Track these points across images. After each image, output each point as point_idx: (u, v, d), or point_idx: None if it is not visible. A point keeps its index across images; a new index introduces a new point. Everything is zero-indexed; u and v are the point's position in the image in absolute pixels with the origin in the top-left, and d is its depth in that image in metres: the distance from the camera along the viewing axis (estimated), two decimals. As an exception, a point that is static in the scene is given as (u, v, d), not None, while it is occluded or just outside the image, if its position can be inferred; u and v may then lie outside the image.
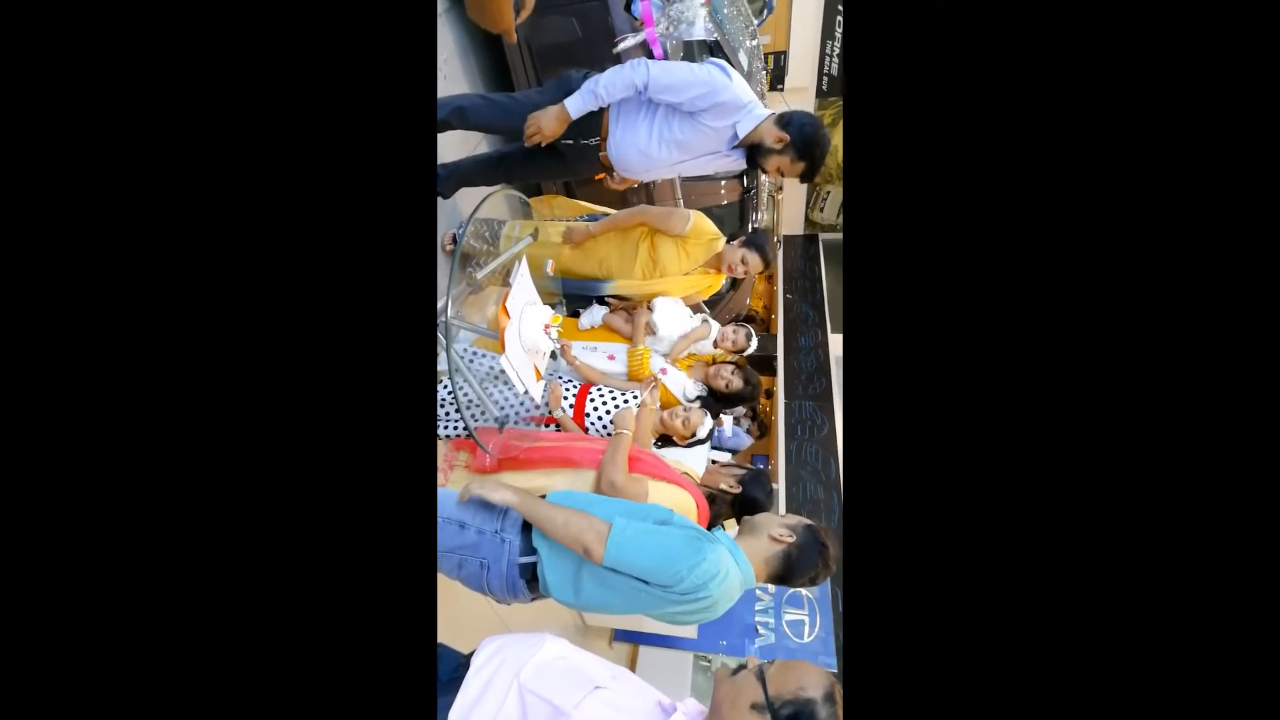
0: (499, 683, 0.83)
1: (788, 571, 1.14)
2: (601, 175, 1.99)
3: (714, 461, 1.79)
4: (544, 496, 1.25)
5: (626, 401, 1.77)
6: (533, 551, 1.16)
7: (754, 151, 1.53)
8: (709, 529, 1.45)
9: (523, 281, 1.45)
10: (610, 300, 1.98)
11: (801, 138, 1.49)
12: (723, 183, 2.70)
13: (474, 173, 1.86)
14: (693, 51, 2.03)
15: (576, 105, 1.47)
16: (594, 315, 1.99)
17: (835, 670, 3.11)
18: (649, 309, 1.92)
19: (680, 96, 1.45)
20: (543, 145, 1.58)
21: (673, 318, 1.94)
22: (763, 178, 3.26)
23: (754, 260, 1.84)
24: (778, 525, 1.16)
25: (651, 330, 1.91)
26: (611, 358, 1.92)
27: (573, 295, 1.91)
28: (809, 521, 1.19)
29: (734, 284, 2.94)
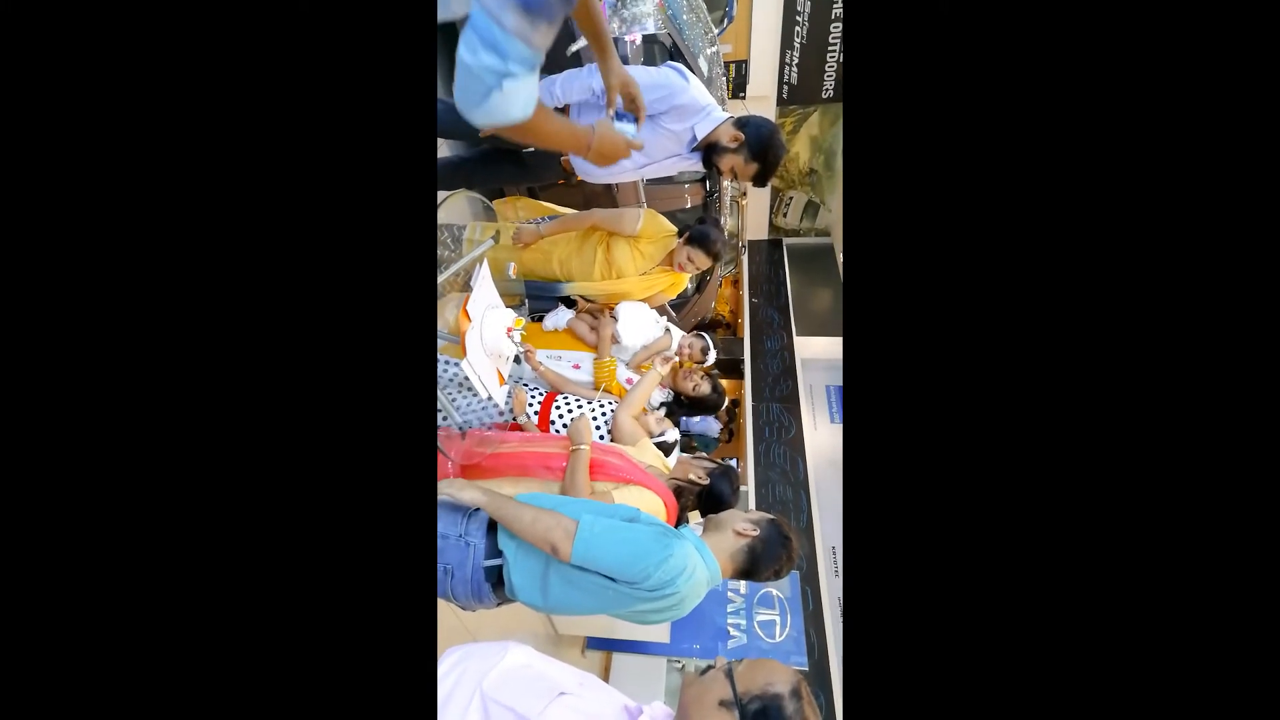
0: (461, 693, 0.81)
1: (753, 565, 1.15)
2: (563, 181, 1.99)
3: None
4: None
5: (595, 410, 1.77)
6: (498, 554, 1.14)
7: (710, 151, 1.54)
8: (676, 526, 1.45)
9: (484, 284, 1.43)
10: (577, 298, 1.96)
11: (757, 139, 1.50)
12: (686, 186, 2.72)
13: None
14: (653, 55, 2.05)
15: None
16: (559, 317, 1.97)
17: (805, 668, 3.15)
18: (613, 318, 1.91)
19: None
20: (502, 148, 1.57)
21: (637, 327, 1.93)
22: (726, 183, 3.30)
23: (699, 257, 1.78)
24: (742, 520, 1.18)
25: (616, 340, 1.91)
26: (577, 367, 1.90)
27: (533, 297, 1.90)
28: (772, 516, 1.21)
29: (699, 286, 2.96)
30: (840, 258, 6.15)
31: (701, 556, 1.10)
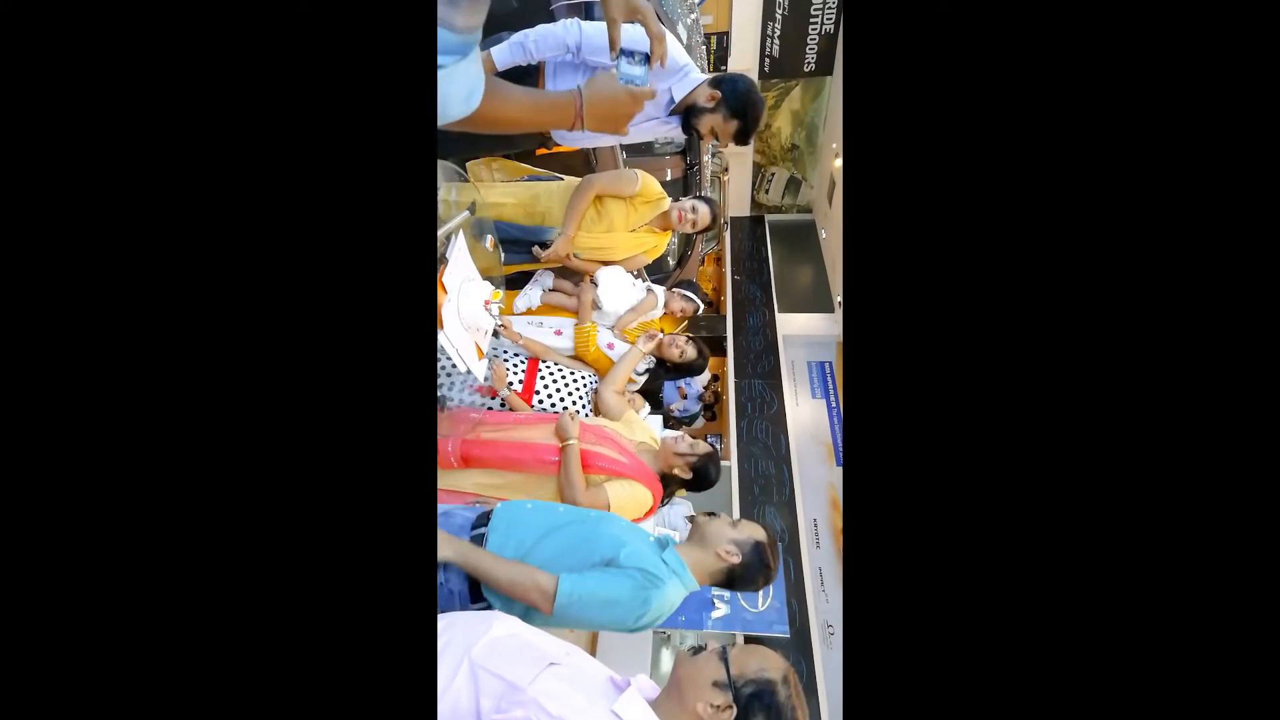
0: (448, 660, 0.80)
1: (729, 583, 1.17)
2: (542, 149, 1.95)
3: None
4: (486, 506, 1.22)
5: (575, 382, 1.76)
6: (481, 597, 1.13)
7: (688, 114, 1.51)
8: (661, 502, 1.51)
9: (460, 256, 1.40)
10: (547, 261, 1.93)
11: (734, 95, 1.47)
12: (666, 158, 2.69)
13: None
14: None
15: (503, 56, 1.41)
16: (531, 296, 1.96)
17: (787, 635, 3.23)
18: (594, 284, 1.91)
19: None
20: None
21: (617, 291, 1.94)
22: (705, 157, 3.27)
23: (704, 212, 1.83)
24: (727, 540, 1.16)
25: (597, 305, 1.91)
26: (559, 333, 1.91)
27: (514, 240, 1.84)
28: (759, 537, 1.19)
29: (680, 261, 2.94)
30: (822, 234, 6.15)
31: (680, 581, 1.12)
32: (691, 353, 1.93)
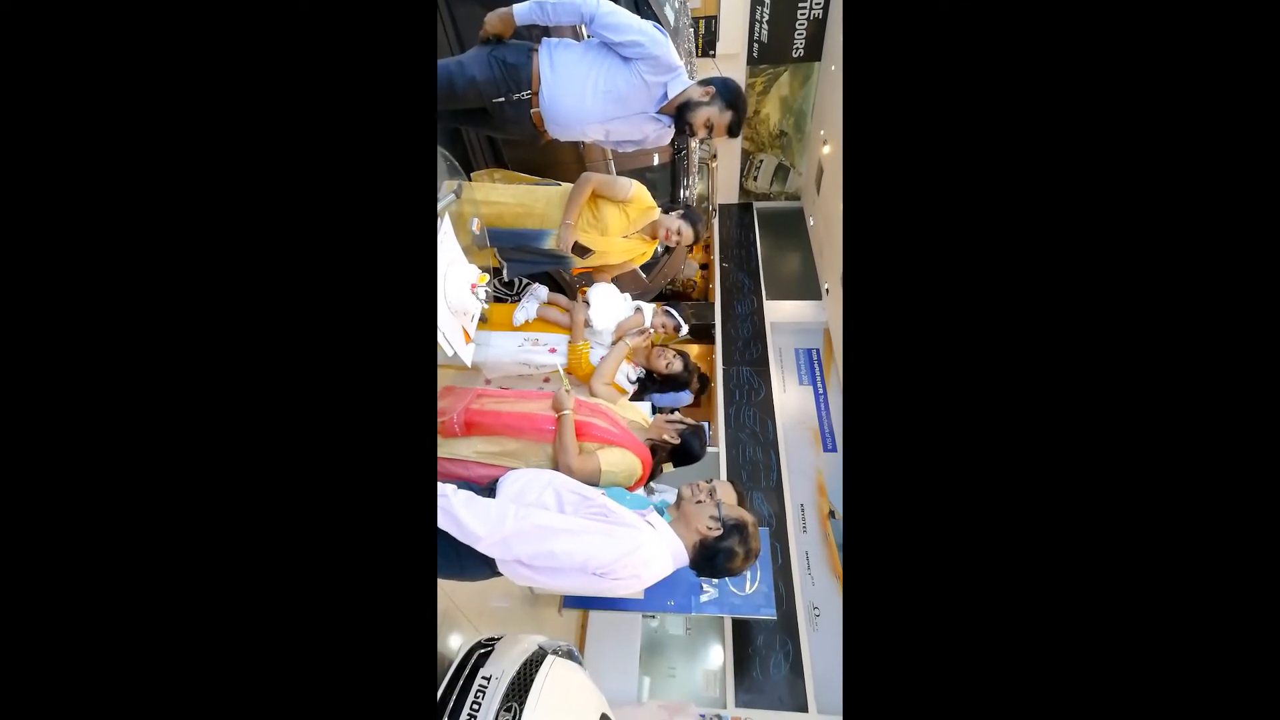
0: (536, 484, 1.23)
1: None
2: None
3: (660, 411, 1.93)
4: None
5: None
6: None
7: (683, 109, 1.62)
8: (650, 477, 1.62)
9: (445, 239, 1.39)
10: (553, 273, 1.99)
11: (726, 89, 1.61)
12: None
13: None
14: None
15: (523, 12, 1.54)
16: (529, 309, 2.03)
17: (774, 618, 3.28)
18: (586, 303, 2.02)
19: (620, 37, 1.51)
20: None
21: (608, 309, 2.03)
22: (692, 144, 3.27)
23: (688, 233, 1.99)
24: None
25: (589, 324, 2.01)
26: (553, 350, 2.00)
27: (516, 248, 1.89)
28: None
29: (668, 249, 2.95)
30: (810, 222, 6.16)
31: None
32: (678, 365, 2.05)
